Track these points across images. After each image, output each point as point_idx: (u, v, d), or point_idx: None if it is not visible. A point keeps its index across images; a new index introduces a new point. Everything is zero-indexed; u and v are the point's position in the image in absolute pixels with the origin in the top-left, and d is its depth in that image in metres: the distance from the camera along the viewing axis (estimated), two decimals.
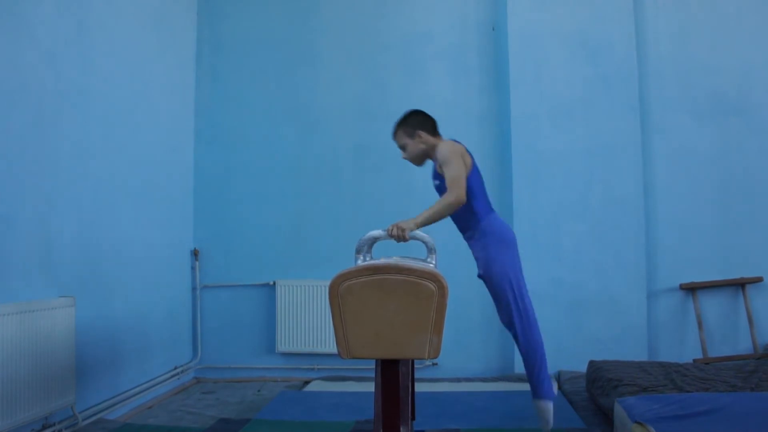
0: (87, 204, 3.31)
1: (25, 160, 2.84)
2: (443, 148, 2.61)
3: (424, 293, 1.83)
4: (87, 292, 3.26)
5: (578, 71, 4.36)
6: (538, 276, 4.26)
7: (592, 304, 4.24)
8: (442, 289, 1.84)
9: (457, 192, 2.50)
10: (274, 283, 4.58)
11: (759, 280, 4.27)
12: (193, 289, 4.63)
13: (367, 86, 4.66)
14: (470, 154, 2.71)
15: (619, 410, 2.83)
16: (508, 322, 2.68)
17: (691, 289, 4.32)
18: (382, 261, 2.06)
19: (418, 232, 2.39)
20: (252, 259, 4.65)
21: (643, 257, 4.27)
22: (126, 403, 3.61)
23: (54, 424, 2.93)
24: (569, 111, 4.36)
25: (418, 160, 2.77)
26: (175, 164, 4.44)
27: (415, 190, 4.37)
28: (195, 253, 4.65)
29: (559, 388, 3.95)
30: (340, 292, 1.86)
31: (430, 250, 2.34)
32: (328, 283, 1.88)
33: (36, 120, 2.91)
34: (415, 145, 2.71)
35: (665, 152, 4.42)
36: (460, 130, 4.57)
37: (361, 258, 2.24)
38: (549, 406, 2.70)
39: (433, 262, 2.32)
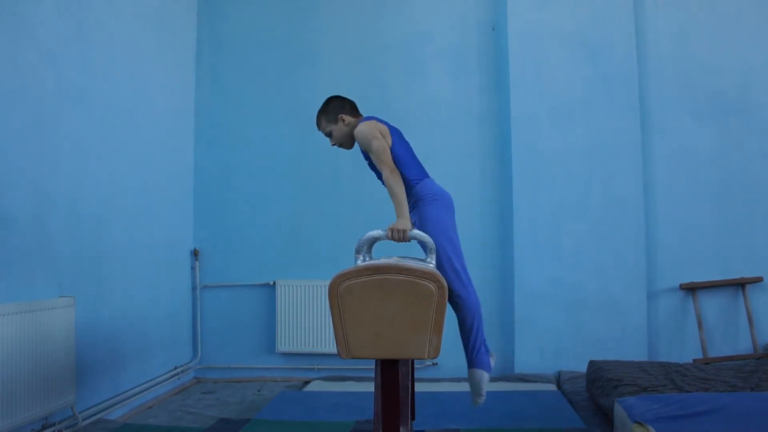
0: (87, 204, 3.31)
1: (26, 159, 2.84)
2: (359, 132, 2.63)
3: (424, 293, 1.83)
4: (87, 292, 3.26)
5: (578, 71, 4.36)
6: (538, 276, 4.27)
7: (592, 304, 4.24)
8: (441, 289, 1.84)
9: (386, 168, 2.53)
10: (274, 283, 4.58)
11: (759, 280, 4.27)
12: (193, 289, 4.63)
13: (367, 86, 4.65)
14: (387, 125, 2.69)
15: (619, 410, 2.83)
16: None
17: (691, 289, 4.32)
18: (382, 261, 2.06)
19: (418, 232, 2.39)
20: (252, 259, 4.65)
21: (643, 257, 4.27)
22: (126, 403, 3.61)
23: (54, 424, 2.93)
24: (569, 111, 4.36)
25: (347, 142, 2.79)
26: (175, 164, 4.44)
27: None
28: (195, 253, 4.65)
29: (559, 388, 3.96)
30: (339, 292, 1.86)
31: (430, 250, 2.34)
32: (328, 283, 1.88)
33: (36, 120, 2.91)
34: (340, 129, 2.75)
35: (665, 152, 4.42)
36: (460, 130, 4.60)
37: (361, 258, 2.24)
38: (485, 377, 2.58)
39: (433, 262, 2.33)
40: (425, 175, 2.69)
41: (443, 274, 2.51)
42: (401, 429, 1.88)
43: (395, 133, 2.69)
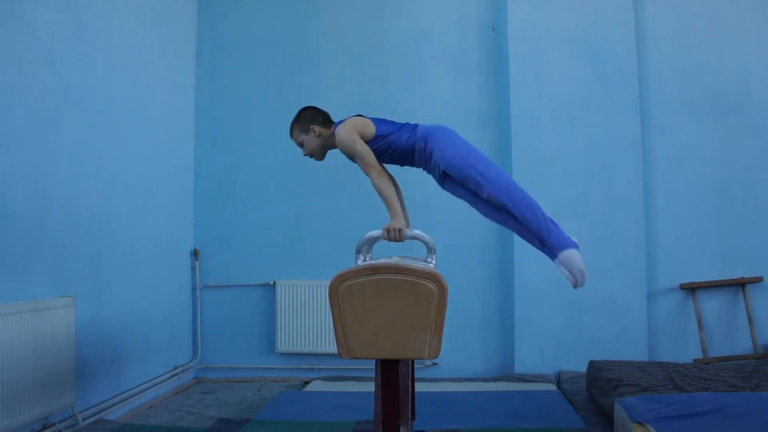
0: (87, 204, 3.31)
1: (26, 159, 2.84)
2: (340, 140, 2.61)
3: (424, 293, 1.83)
4: (87, 292, 3.26)
5: (578, 71, 4.36)
6: (538, 276, 4.26)
7: (592, 304, 4.24)
8: (442, 289, 1.84)
9: (372, 171, 2.53)
10: (274, 283, 4.58)
11: (759, 280, 4.27)
12: (193, 289, 4.63)
13: (368, 86, 4.66)
14: (365, 116, 2.68)
15: (619, 410, 2.83)
16: (488, 198, 2.50)
17: (691, 289, 4.31)
18: (382, 261, 2.06)
19: (417, 232, 2.39)
20: (252, 259, 4.65)
21: (643, 257, 4.27)
22: (126, 403, 3.61)
23: (54, 424, 2.93)
24: (569, 111, 4.36)
25: (318, 154, 2.79)
26: (175, 164, 4.44)
27: (415, 189, 4.35)
28: (195, 253, 4.65)
29: (559, 388, 3.96)
30: (339, 292, 1.85)
31: (430, 250, 2.34)
32: (328, 283, 1.88)
33: (36, 120, 2.91)
34: (311, 139, 2.74)
35: (665, 152, 4.42)
36: (460, 130, 4.54)
37: (361, 258, 2.24)
38: (575, 254, 2.46)
39: (433, 262, 2.32)
40: (413, 126, 2.67)
41: (481, 188, 2.47)
42: (401, 429, 1.88)
43: (375, 120, 2.67)
